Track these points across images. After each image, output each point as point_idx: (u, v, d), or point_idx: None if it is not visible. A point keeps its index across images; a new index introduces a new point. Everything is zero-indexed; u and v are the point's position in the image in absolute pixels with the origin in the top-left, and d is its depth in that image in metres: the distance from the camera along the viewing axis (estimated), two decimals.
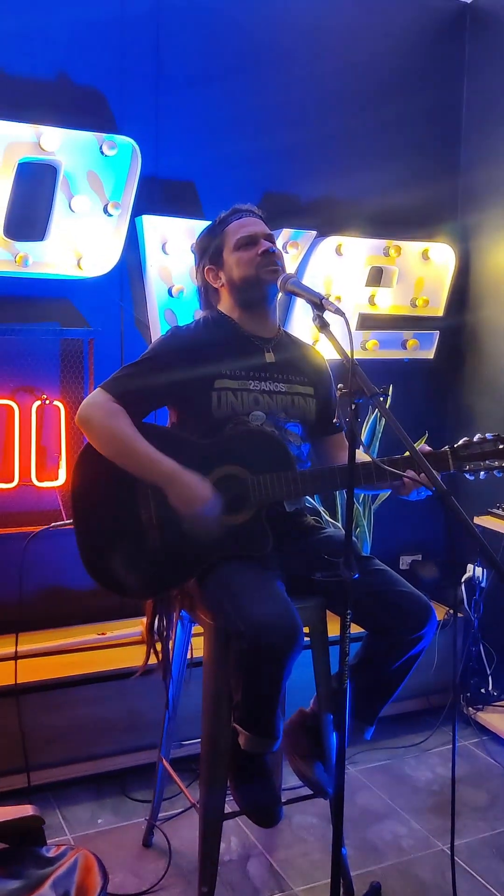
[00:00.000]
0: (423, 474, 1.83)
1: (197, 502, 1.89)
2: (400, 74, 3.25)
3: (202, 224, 2.36)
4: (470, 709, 3.09)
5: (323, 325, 1.75)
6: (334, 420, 1.68)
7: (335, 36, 3.13)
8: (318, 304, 1.77)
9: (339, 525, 2.99)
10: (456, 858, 2.34)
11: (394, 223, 3.25)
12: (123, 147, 2.68)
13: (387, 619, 1.95)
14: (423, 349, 3.36)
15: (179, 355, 2.02)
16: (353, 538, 2.23)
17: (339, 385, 1.65)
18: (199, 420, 2.01)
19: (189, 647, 2.22)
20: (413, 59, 3.27)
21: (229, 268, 2.07)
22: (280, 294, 2.07)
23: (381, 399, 1.61)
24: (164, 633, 2.12)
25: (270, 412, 2.03)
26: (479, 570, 3.12)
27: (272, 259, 2.03)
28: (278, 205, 3.07)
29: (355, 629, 1.95)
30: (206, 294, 2.16)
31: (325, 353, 2.26)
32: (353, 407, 1.62)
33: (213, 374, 2.01)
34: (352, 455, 1.66)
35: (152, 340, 2.73)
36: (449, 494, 1.52)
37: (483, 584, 3.10)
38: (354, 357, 1.67)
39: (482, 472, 1.92)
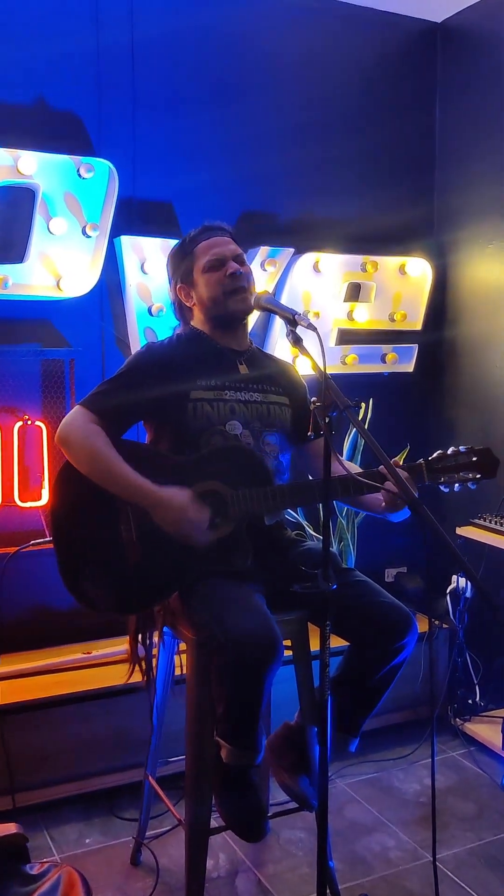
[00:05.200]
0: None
1: (184, 523, 1.90)
2: (373, 97, 3.31)
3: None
4: (457, 720, 3.10)
5: (296, 341, 1.78)
6: (308, 433, 1.70)
7: (307, 62, 3.18)
8: (291, 320, 1.80)
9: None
10: (444, 869, 2.34)
11: (371, 240, 3.29)
12: (100, 169, 2.71)
13: (367, 630, 1.96)
14: (403, 363, 3.40)
15: (154, 370, 2.04)
16: (333, 550, 2.26)
17: (313, 399, 1.68)
18: (177, 433, 2.02)
19: (173, 664, 2.22)
20: (385, 81, 3.33)
21: (200, 288, 2.10)
22: (255, 312, 2.11)
23: (354, 411, 1.63)
24: (148, 650, 2.12)
25: (247, 421, 2.05)
26: (462, 581, 3.14)
27: (239, 281, 2.05)
28: (256, 223, 3.11)
29: (338, 642, 1.97)
30: (180, 310, 2.19)
31: (302, 369, 2.29)
32: (328, 420, 1.64)
33: (189, 387, 2.03)
34: (327, 469, 1.68)
35: None
36: (420, 503, 1.54)
37: (468, 595, 3.11)
38: (329, 371, 1.70)
39: (456, 484, 1.95)
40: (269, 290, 2.97)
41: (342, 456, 3.08)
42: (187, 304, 2.15)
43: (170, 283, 2.19)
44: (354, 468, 2.00)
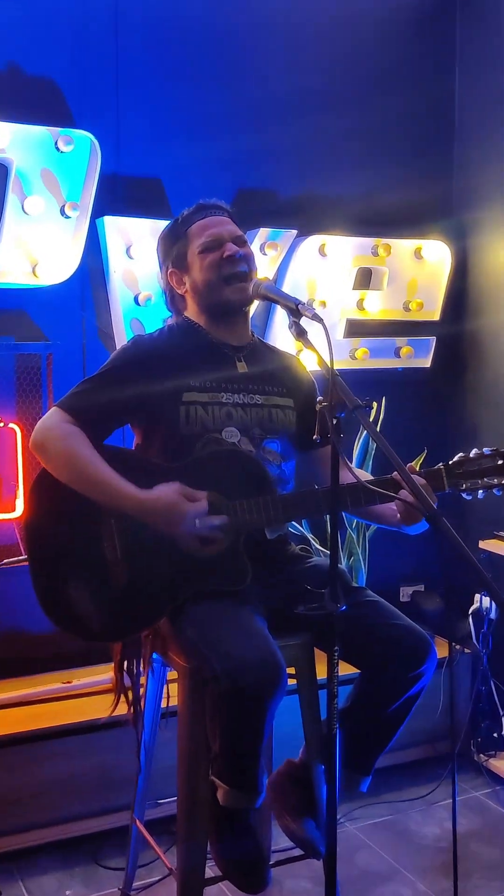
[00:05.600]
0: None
1: (178, 517, 1.89)
2: (386, 66, 3.31)
3: None
4: (481, 755, 3.09)
5: (300, 333, 1.78)
6: (314, 436, 1.70)
7: (315, 27, 3.19)
8: (294, 310, 1.80)
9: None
10: None
11: (382, 221, 3.29)
12: (81, 142, 2.71)
13: (380, 656, 1.95)
14: (419, 357, 3.39)
15: (142, 367, 2.04)
16: (343, 567, 2.25)
17: (319, 398, 1.67)
18: (166, 439, 2.02)
19: (163, 694, 2.21)
20: (400, 49, 3.34)
21: (194, 272, 2.10)
22: (255, 301, 2.10)
23: (365, 411, 1.62)
24: (135, 680, 2.11)
25: (245, 427, 2.05)
26: (486, 601, 3.13)
27: (238, 265, 2.05)
28: (254, 203, 3.11)
29: (346, 669, 1.96)
30: (172, 299, 2.19)
31: (306, 365, 2.28)
32: (335, 422, 1.64)
33: (181, 387, 2.03)
34: (335, 476, 1.67)
35: None
36: (439, 514, 1.54)
37: (492, 616, 3.11)
38: (337, 367, 1.70)
39: (480, 491, 1.94)
40: (269, 276, 2.96)
41: (352, 462, 3.08)
42: (179, 292, 2.15)
43: (160, 268, 2.19)
44: (365, 476, 1.99)
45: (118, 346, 2.82)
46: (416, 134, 3.42)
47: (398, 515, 2.00)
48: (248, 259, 2.09)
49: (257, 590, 1.99)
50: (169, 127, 3.00)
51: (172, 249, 2.13)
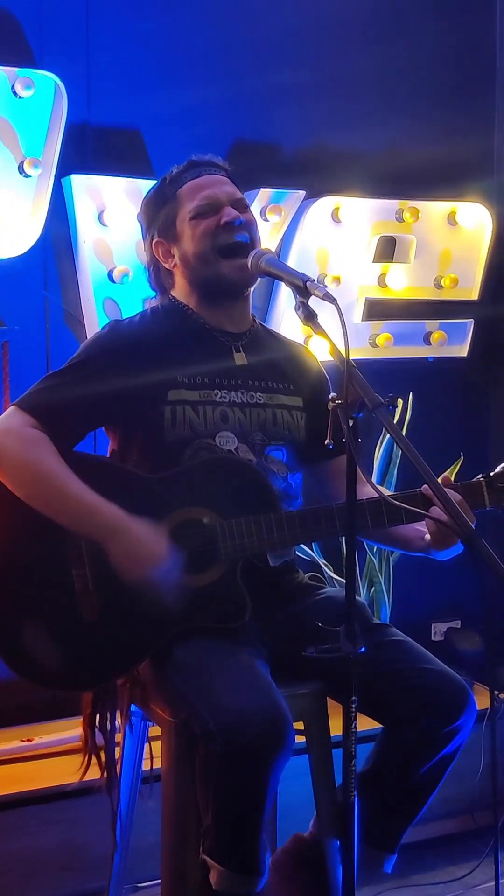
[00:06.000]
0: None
1: (146, 561, 1.90)
2: None
3: (152, 184, 2.39)
4: None
5: (308, 316, 1.78)
6: (326, 441, 1.71)
7: None
8: (302, 289, 1.80)
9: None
10: None
11: (409, 179, 3.30)
12: (43, 85, 2.72)
13: (408, 708, 1.96)
14: (453, 344, 3.40)
15: (120, 358, 2.04)
16: (362, 600, 2.25)
17: (332, 395, 1.68)
18: (148, 445, 2.02)
19: (143, 755, 2.21)
20: None
21: (185, 242, 2.10)
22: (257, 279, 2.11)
23: (387, 411, 1.63)
24: (109, 737, 2.11)
25: (244, 432, 2.05)
26: None
27: (237, 233, 2.05)
28: (253, 158, 3.12)
29: (366, 723, 1.96)
30: (157, 275, 2.19)
31: (316, 353, 2.29)
32: (352, 424, 1.64)
33: (166, 383, 2.02)
34: (351, 490, 1.67)
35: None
36: (478, 536, 1.54)
37: None
38: (354, 357, 1.71)
39: None
40: (271, 247, 2.96)
41: (372, 473, 3.08)
42: (166, 267, 2.15)
43: (144, 238, 2.19)
44: (385, 493, 1.99)
45: (89, 333, 2.84)
46: (450, 75, 3.43)
47: (426, 538, 2.00)
48: (249, 227, 2.09)
49: (258, 628, 1.99)
50: (149, 67, 3.00)
51: (158, 215, 2.13)
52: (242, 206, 2.12)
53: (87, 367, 2.05)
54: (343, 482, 2.14)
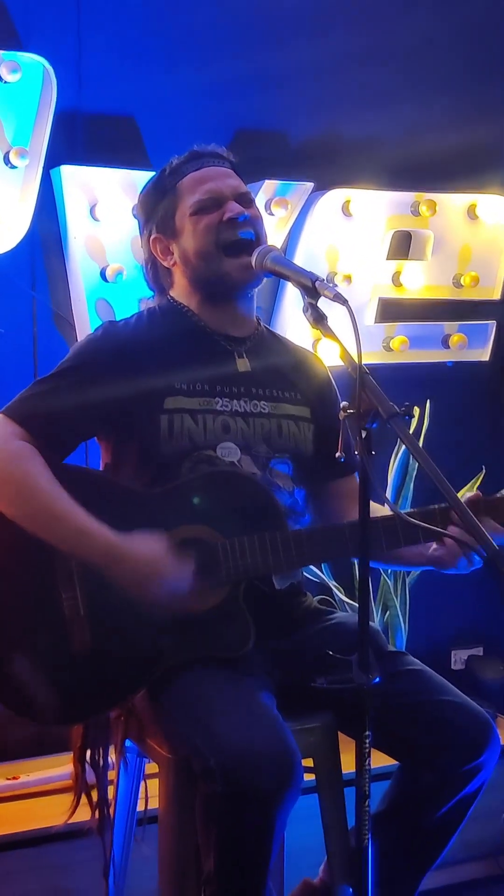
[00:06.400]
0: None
1: (154, 580, 1.90)
2: None
3: (148, 176, 2.40)
4: None
5: (318, 318, 1.78)
6: (337, 454, 1.70)
7: None
8: (310, 289, 1.80)
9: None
10: None
11: (425, 169, 3.31)
12: (31, 69, 2.72)
13: (426, 744, 1.95)
14: (474, 347, 3.40)
15: (113, 363, 2.04)
16: (376, 626, 2.25)
17: (344, 404, 1.68)
18: (144, 457, 2.02)
19: (139, 795, 2.20)
20: None
21: (185, 239, 2.10)
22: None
23: (403, 420, 1.63)
24: (101, 774, 2.10)
25: (247, 443, 2.05)
26: None
27: (241, 229, 2.05)
28: (257, 147, 3.12)
29: (381, 760, 1.96)
30: (155, 274, 2.19)
31: (326, 359, 2.28)
32: (364, 435, 1.64)
33: (163, 390, 2.03)
34: (364, 505, 1.67)
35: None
36: (501, 555, 1.54)
37: None
38: (367, 362, 1.70)
39: None
40: (276, 244, 2.97)
41: (386, 489, 3.08)
42: (164, 265, 2.16)
43: (141, 233, 2.20)
44: (383, 512, 2.00)
45: (80, 337, 2.84)
46: (471, 57, 3.43)
47: (434, 553, 2.00)
48: (254, 223, 2.09)
49: (263, 656, 1.98)
50: (145, 49, 3.01)
51: (157, 209, 2.14)
52: (247, 201, 2.12)
53: (79, 372, 2.05)
54: (349, 503, 2.15)
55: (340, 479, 2.18)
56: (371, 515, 1.72)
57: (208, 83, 3.04)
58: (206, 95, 3.05)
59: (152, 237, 2.15)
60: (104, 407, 2.02)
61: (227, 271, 2.07)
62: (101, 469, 2.13)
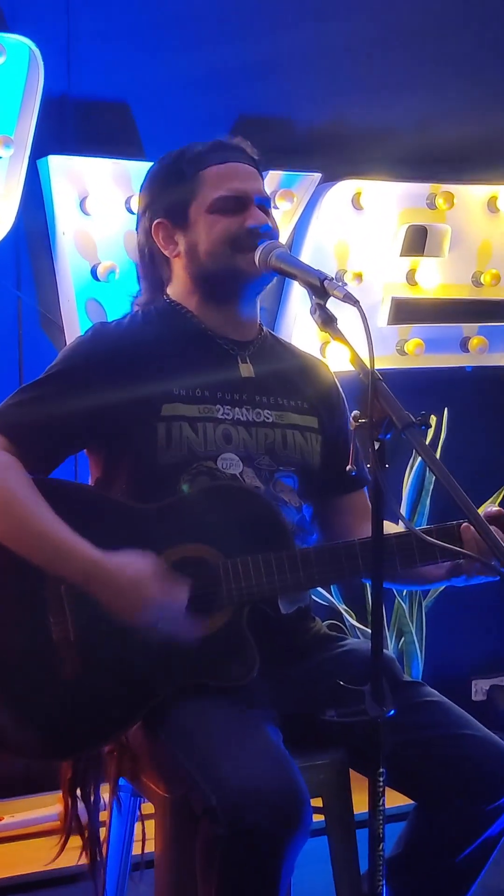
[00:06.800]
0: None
1: (141, 603, 1.89)
2: None
3: (142, 167, 2.41)
4: None
5: (326, 320, 1.78)
6: (348, 467, 1.70)
7: None
8: (318, 289, 1.80)
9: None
10: None
11: (442, 159, 3.32)
12: (15, 51, 2.73)
13: (445, 782, 1.95)
14: (495, 351, 3.41)
15: (105, 367, 2.04)
16: (390, 654, 2.24)
17: (355, 413, 1.67)
18: (139, 469, 2.02)
19: (134, 836, 2.20)
20: None
21: (196, 234, 2.11)
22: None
23: (419, 431, 1.62)
24: (92, 813, 2.10)
25: (250, 455, 2.05)
26: None
27: (256, 242, 2.03)
28: (261, 135, 3.06)
29: (396, 799, 1.95)
30: (151, 264, 2.18)
31: (336, 364, 2.29)
32: (377, 446, 1.63)
33: (160, 396, 2.03)
34: (377, 521, 1.67)
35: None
36: None
37: None
38: (380, 367, 1.69)
39: None
40: (281, 239, 2.96)
41: (401, 504, 3.08)
42: (164, 253, 2.15)
43: (140, 216, 2.18)
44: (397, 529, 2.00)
45: (69, 340, 2.84)
46: (489, 38, 3.44)
47: (449, 569, 2.01)
48: (273, 234, 2.10)
49: (268, 686, 1.97)
50: (140, 31, 3.02)
51: (168, 193, 2.13)
52: (266, 208, 2.13)
53: (68, 377, 2.05)
54: (358, 520, 2.16)
55: (349, 494, 2.18)
56: (384, 533, 1.72)
57: (208, 66, 3.05)
58: (205, 79, 3.05)
59: (157, 221, 2.15)
60: (95, 415, 2.02)
61: (238, 265, 2.07)
62: (90, 484, 2.13)
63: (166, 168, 2.16)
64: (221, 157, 2.12)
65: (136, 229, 2.21)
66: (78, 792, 2.09)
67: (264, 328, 2.22)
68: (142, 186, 2.21)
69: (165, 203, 2.13)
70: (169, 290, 2.17)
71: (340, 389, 2.24)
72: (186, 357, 2.09)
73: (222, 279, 2.10)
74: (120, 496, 2.05)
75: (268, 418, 2.09)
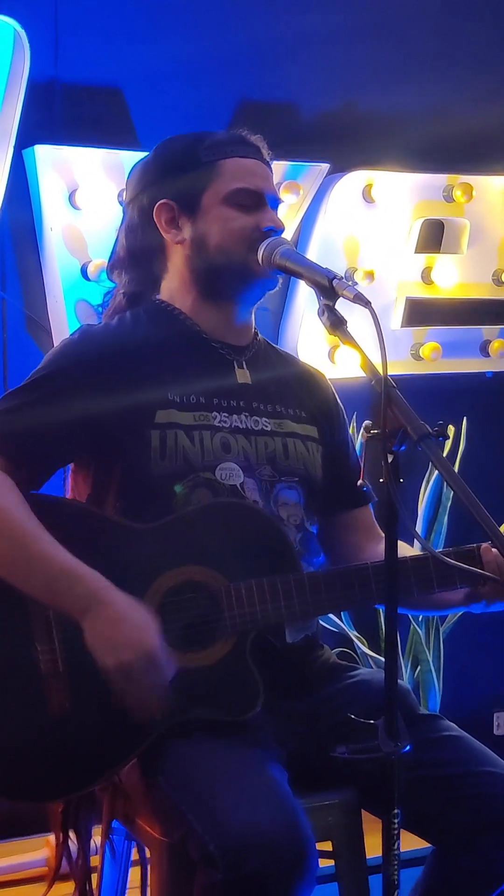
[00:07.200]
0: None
1: (128, 647, 1.88)
2: None
3: (136, 157, 2.41)
4: None
5: (335, 323, 1.78)
6: (358, 482, 1.70)
7: None
8: (327, 288, 1.80)
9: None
10: None
11: (459, 148, 3.32)
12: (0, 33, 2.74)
13: (465, 824, 1.94)
14: None
15: (95, 370, 2.04)
16: (405, 685, 2.23)
17: (367, 423, 1.67)
18: (130, 482, 2.02)
19: (128, 884, 2.20)
20: None
21: (206, 223, 2.11)
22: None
23: (436, 442, 1.62)
24: (84, 857, 2.09)
25: (249, 465, 2.05)
26: None
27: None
28: (264, 122, 3.09)
29: (412, 842, 1.94)
30: (143, 249, 2.17)
31: (344, 369, 2.29)
32: (391, 460, 1.63)
33: (154, 401, 2.03)
34: (392, 542, 1.66)
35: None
36: None
37: None
38: (393, 374, 1.70)
39: None
40: (286, 235, 2.97)
41: (416, 523, 3.07)
42: (165, 236, 2.14)
43: (134, 195, 2.17)
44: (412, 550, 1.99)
45: (56, 341, 2.84)
46: None
47: (476, 595, 2.01)
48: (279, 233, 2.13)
49: (273, 721, 1.97)
50: (133, 11, 3.02)
51: (181, 175, 2.13)
52: (277, 210, 2.16)
53: (55, 382, 2.05)
54: (364, 538, 2.17)
55: (354, 510, 2.18)
56: (375, 555, 1.72)
57: (207, 48, 3.06)
58: (203, 62, 3.06)
59: (161, 202, 2.15)
60: (83, 424, 2.02)
61: (249, 264, 2.07)
62: (81, 499, 2.13)
63: (180, 150, 2.16)
64: (242, 150, 2.15)
65: (124, 211, 2.21)
66: (68, 832, 2.08)
67: (259, 335, 2.23)
68: (140, 165, 2.20)
69: (174, 185, 2.13)
70: (161, 287, 2.17)
71: (339, 401, 2.25)
72: (180, 361, 2.10)
73: (228, 276, 2.11)
74: (113, 514, 2.04)
75: (266, 426, 2.09)
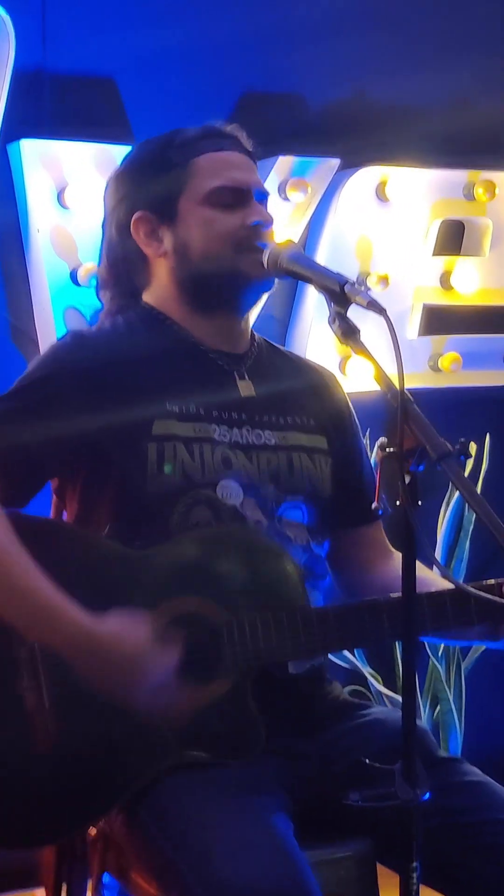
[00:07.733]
0: None
1: (128, 673, 1.88)
2: None
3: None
4: None
5: (347, 332, 1.78)
6: (373, 505, 1.69)
7: None
8: (338, 295, 1.80)
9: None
10: None
11: (481, 142, 3.33)
12: None
13: (489, 876, 1.93)
14: None
15: (86, 377, 2.05)
16: (423, 726, 2.23)
17: (382, 441, 1.67)
18: (123, 499, 2.02)
19: None
20: None
21: (186, 230, 2.12)
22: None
23: (457, 461, 1.62)
24: None
25: (252, 482, 2.05)
26: None
27: (261, 239, 2.06)
28: (268, 115, 3.14)
29: None
30: (125, 266, 2.19)
31: (356, 382, 2.28)
32: (409, 480, 1.63)
33: (151, 411, 2.03)
34: (408, 572, 1.66)
35: None
36: None
37: None
38: (410, 386, 1.69)
39: None
40: (293, 236, 2.97)
41: (435, 548, 3.07)
42: (146, 251, 2.16)
43: (111, 210, 2.18)
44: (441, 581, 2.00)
45: (43, 350, 2.84)
46: None
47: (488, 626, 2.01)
48: (272, 231, 2.13)
49: (278, 765, 1.97)
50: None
51: (152, 181, 2.14)
52: (265, 203, 2.16)
53: (45, 389, 2.05)
54: (374, 555, 2.18)
55: (366, 526, 2.19)
56: (389, 578, 1.71)
57: (206, 35, 3.07)
58: (202, 50, 3.07)
59: (137, 215, 2.15)
60: (76, 432, 2.02)
61: (240, 267, 2.08)
62: (68, 521, 2.13)
63: (150, 155, 2.17)
64: (215, 143, 2.14)
65: (103, 226, 2.22)
66: (62, 889, 2.09)
67: (256, 336, 2.22)
68: (114, 175, 2.21)
69: (148, 194, 2.14)
70: (146, 296, 2.18)
71: (350, 404, 2.25)
72: (177, 371, 2.10)
73: (219, 284, 2.11)
74: (104, 536, 2.04)
75: (269, 440, 2.10)
